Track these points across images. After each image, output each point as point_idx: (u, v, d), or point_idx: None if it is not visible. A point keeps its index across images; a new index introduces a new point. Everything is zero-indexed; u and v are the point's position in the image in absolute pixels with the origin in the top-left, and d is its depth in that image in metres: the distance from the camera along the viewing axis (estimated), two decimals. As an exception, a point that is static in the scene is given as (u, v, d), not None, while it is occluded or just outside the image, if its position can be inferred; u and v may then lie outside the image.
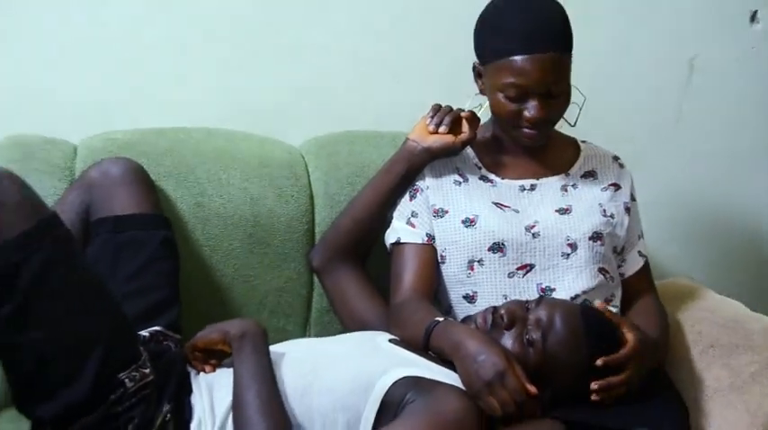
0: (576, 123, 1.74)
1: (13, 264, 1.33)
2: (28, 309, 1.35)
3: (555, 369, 1.49)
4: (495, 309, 1.55)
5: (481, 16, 1.69)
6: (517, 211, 1.72)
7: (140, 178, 1.76)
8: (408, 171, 1.76)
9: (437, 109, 1.76)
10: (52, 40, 1.97)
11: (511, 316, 1.52)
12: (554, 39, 1.63)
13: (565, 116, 1.73)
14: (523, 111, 1.65)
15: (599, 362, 1.50)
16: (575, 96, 1.68)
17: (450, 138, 1.73)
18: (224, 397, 1.47)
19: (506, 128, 1.72)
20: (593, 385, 1.49)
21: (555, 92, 1.64)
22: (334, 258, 1.81)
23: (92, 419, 1.40)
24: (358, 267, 1.81)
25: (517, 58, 1.61)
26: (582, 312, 1.55)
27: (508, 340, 1.51)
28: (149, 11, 2.00)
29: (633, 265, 1.80)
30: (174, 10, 2.01)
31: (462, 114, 1.74)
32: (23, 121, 1.90)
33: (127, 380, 1.42)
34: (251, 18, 2.05)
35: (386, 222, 1.79)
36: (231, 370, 1.48)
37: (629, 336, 1.55)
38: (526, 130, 1.68)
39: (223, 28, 2.04)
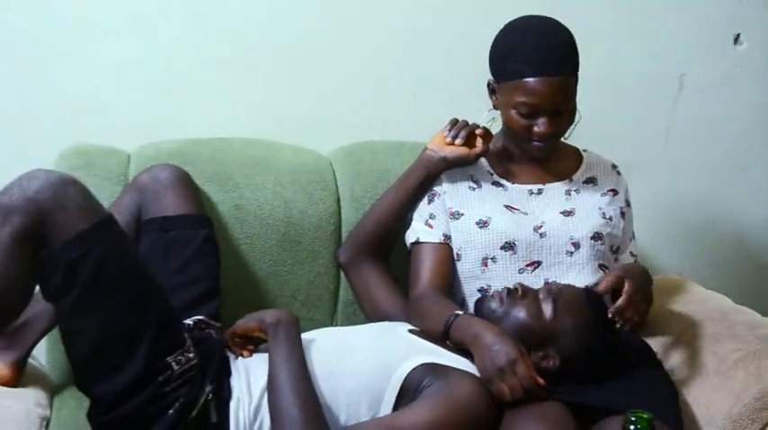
0: (568, 137, 1.77)
1: (72, 261, 1.36)
2: (86, 300, 1.38)
3: (563, 332, 1.53)
4: (509, 287, 1.60)
5: (496, 39, 1.73)
6: (526, 214, 1.76)
7: (185, 182, 1.79)
8: (426, 177, 1.79)
9: (454, 122, 1.79)
10: (108, 61, 2.01)
11: (524, 288, 1.58)
12: (563, 63, 1.66)
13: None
14: (533, 127, 1.68)
15: (600, 287, 1.57)
16: None
17: (465, 150, 1.76)
18: (260, 379, 1.50)
19: (517, 140, 1.75)
20: (610, 314, 1.55)
21: (562, 110, 1.68)
22: (359, 255, 1.84)
23: (143, 398, 1.43)
24: (380, 263, 1.84)
25: (529, 80, 1.64)
26: (585, 292, 1.61)
27: (522, 309, 1.55)
28: (193, 35, 2.04)
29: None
30: (215, 34, 2.05)
31: (477, 132, 1.77)
32: (84, 133, 1.94)
33: (174, 364, 1.45)
34: (285, 40, 2.08)
35: (405, 223, 1.82)
36: (266, 355, 1.51)
37: (611, 272, 1.62)
38: (535, 143, 1.71)
39: (260, 49, 2.07)
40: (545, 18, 1.71)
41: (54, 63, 1.99)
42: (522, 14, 1.73)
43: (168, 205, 1.73)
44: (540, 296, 1.57)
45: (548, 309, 1.54)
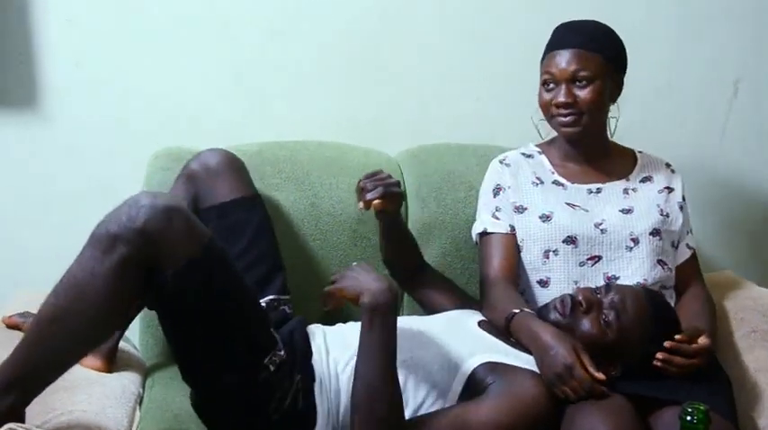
0: (613, 134, 1.76)
1: (179, 287, 1.33)
2: (191, 317, 1.38)
3: (627, 345, 1.50)
4: (572, 297, 1.54)
5: None
6: (587, 211, 1.73)
7: (233, 165, 1.75)
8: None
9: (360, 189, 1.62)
10: (196, 72, 2.05)
11: (588, 302, 1.52)
12: (580, 38, 1.68)
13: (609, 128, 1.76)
14: (554, 99, 1.68)
15: (666, 344, 1.49)
16: (613, 111, 1.72)
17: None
18: (338, 356, 1.51)
19: (549, 121, 1.74)
20: (659, 355, 1.49)
21: (579, 78, 1.66)
22: (406, 283, 1.77)
23: (245, 395, 1.43)
24: (427, 274, 1.78)
25: (550, 53, 1.69)
26: (645, 294, 1.56)
27: (587, 323, 1.50)
28: (269, 45, 2.06)
29: (682, 256, 1.80)
30: (291, 47, 2.06)
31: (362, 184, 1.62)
32: (175, 136, 1.97)
33: (270, 366, 1.44)
34: (355, 51, 2.09)
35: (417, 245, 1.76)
36: (343, 330, 1.51)
37: (704, 340, 1.54)
38: (560, 118, 1.69)
39: (333, 59, 2.08)
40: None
41: (150, 74, 2.03)
42: (581, 18, 1.72)
43: (221, 191, 1.71)
44: (604, 310, 1.51)
45: (612, 326, 1.49)
